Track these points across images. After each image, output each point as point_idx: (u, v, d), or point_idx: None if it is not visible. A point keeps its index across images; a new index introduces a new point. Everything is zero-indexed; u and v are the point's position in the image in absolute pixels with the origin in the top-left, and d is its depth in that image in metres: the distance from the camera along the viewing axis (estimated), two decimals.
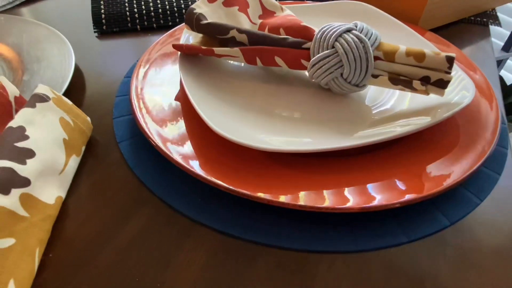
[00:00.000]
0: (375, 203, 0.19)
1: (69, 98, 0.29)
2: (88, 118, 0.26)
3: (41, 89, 0.23)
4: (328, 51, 0.25)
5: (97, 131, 0.27)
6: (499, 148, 0.25)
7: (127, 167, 0.24)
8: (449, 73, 0.23)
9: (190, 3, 0.41)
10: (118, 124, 0.27)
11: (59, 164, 0.21)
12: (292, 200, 0.20)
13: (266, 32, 0.30)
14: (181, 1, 0.41)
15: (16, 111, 0.23)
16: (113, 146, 0.26)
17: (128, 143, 0.25)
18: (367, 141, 0.22)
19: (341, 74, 0.25)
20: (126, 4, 0.41)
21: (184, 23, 0.35)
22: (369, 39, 0.25)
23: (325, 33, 0.26)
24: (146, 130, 0.24)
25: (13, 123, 0.20)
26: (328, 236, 0.20)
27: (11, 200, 0.18)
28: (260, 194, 0.20)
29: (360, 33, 0.25)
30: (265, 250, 0.20)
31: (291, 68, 0.27)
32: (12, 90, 0.22)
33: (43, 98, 0.22)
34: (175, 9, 0.41)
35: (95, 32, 0.40)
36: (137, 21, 0.40)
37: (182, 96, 0.28)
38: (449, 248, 0.20)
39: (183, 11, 0.41)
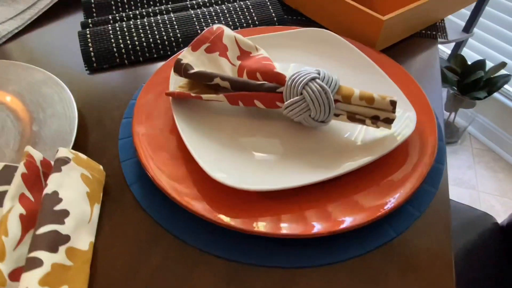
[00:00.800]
0: (341, 226, 0.26)
1: (76, 144, 0.34)
2: (101, 167, 0.31)
3: (62, 152, 0.27)
4: (297, 97, 0.30)
5: (108, 174, 0.32)
6: (436, 165, 0.32)
7: (140, 208, 0.29)
8: (394, 112, 0.29)
9: (171, 35, 0.45)
10: (126, 167, 0.32)
11: (87, 215, 0.26)
12: (290, 229, 0.26)
13: (244, 74, 0.34)
14: (163, 35, 0.45)
15: (43, 173, 0.27)
16: (125, 188, 0.31)
17: (138, 186, 0.30)
18: (333, 175, 0.28)
19: (309, 115, 0.31)
20: (112, 41, 0.44)
21: (167, 61, 0.40)
22: (329, 86, 0.30)
23: (294, 81, 0.31)
24: (155, 178, 0.28)
25: (48, 190, 0.25)
26: (306, 254, 0.26)
27: (59, 256, 0.23)
28: (256, 229, 0.25)
29: (322, 81, 0.30)
30: (261, 270, 0.26)
31: (268, 108, 0.33)
32: (37, 156, 0.27)
33: (65, 161, 0.27)
34: (158, 41, 0.45)
35: (86, 70, 0.43)
36: (125, 56, 0.44)
37: (177, 133, 0.33)
38: (395, 254, 0.26)
39: (166, 42, 0.45)
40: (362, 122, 0.30)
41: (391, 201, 0.27)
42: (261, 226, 0.26)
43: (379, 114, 0.30)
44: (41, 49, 0.46)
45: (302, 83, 0.30)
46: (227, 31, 0.36)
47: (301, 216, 0.27)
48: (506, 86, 1.20)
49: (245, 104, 0.33)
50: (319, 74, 0.31)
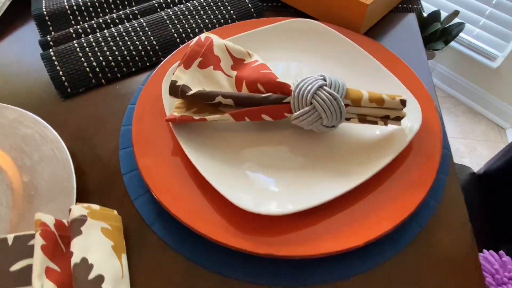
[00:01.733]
0: (379, 233, 0.26)
1: (77, 189, 0.31)
2: (115, 212, 0.29)
3: (76, 211, 0.25)
4: (307, 108, 0.30)
5: (124, 216, 0.30)
6: (443, 150, 0.33)
7: (168, 246, 0.28)
8: (402, 109, 0.30)
9: (146, 44, 0.41)
10: (140, 206, 0.30)
11: (119, 271, 0.25)
12: (313, 251, 0.26)
13: (244, 86, 0.33)
14: (137, 44, 0.41)
15: (59, 236, 0.25)
16: (146, 229, 0.29)
17: (160, 224, 0.29)
18: (362, 180, 0.28)
19: (321, 123, 0.31)
20: (83, 60, 0.40)
21: (150, 76, 0.37)
22: (338, 92, 0.30)
23: (301, 90, 0.30)
24: (180, 217, 0.27)
25: (76, 259, 0.23)
26: (341, 266, 0.27)
27: None
28: (297, 253, 0.26)
29: (330, 87, 0.30)
30: None
31: (276, 120, 0.32)
32: (50, 220, 0.25)
33: (82, 220, 0.25)
34: (134, 53, 0.41)
35: (60, 97, 0.39)
36: (100, 75, 0.40)
37: (182, 156, 0.31)
38: (424, 249, 0.28)
39: (142, 53, 0.41)
40: (374, 123, 0.30)
41: (417, 196, 0.28)
42: (300, 250, 0.26)
43: (390, 113, 0.30)
44: None
45: (310, 92, 0.29)
46: (216, 40, 0.34)
47: (337, 229, 0.27)
48: (461, 34, 1.25)
49: (252, 119, 0.31)
50: (325, 80, 0.30)
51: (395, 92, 0.34)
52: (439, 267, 0.27)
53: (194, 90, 0.31)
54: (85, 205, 0.26)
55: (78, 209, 0.25)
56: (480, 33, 1.25)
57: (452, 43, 1.29)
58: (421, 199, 0.28)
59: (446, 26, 1.22)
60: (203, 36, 0.34)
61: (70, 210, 0.25)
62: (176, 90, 0.31)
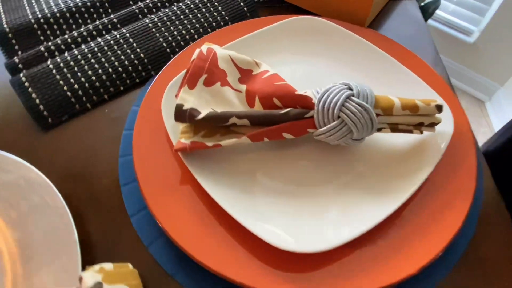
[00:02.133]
0: (430, 256, 0.24)
1: (81, 243, 0.27)
2: (130, 266, 0.25)
3: (89, 280, 0.21)
4: (335, 122, 0.27)
5: (139, 267, 0.26)
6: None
7: None
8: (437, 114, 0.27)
9: (133, 58, 0.36)
10: (158, 253, 0.26)
11: None
12: None
13: (257, 102, 0.29)
14: (123, 59, 0.36)
15: None
16: (166, 278, 0.26)
17: (184, 273, 0.25)
18: (407, 196, 0.25)
19: (351, 137, 0.28)
20: (61, 82, 0.35)
21: (145, 95, 0.32)
22: (367, 102, 0.27)
23: (326, 103, 0.27)
24: (212, 267, 0.24)
25: None
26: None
27: None
28: None
29: (358, 97, 0.26)
30: None
31: (297, 136, 0.28)
32: None
33: None
34: (120, 69, 0.36)
35: (40, 130, 0.34)
36: (84, 98, 0.35)
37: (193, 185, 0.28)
38: (473, 264, 0.26)
39: (130, 68, 0.36)
40: (408, 131, 0.28)
41: (462, 206, 0.26)
42: (354, 284, 0.23)
43: (424, 120, 0.27)
44: None
45: (337, 105, 0.26)
46: (220, 51, 0.30)
47: (383, 258, 0.25)
48: (437, 12, 1.25)
49: (271, 139, 0.28)
50: (351, 89, 0.27)
51: (419, 92, 0.31)
52: (493, 281, 0.25)
53: (203, 113, 0.27)
54: (97, 267, 0.22)
55: (91, 276, 0.21)
56: (455, 9, 1.25)
57: (429, 22, 1.29)
58: (467, 210, 0.26)
59: (423, 4, 1.21)
60: (204, 48, 0.30)
61: (80, 278, 0.21)
62: (183, 115, 0.27)
